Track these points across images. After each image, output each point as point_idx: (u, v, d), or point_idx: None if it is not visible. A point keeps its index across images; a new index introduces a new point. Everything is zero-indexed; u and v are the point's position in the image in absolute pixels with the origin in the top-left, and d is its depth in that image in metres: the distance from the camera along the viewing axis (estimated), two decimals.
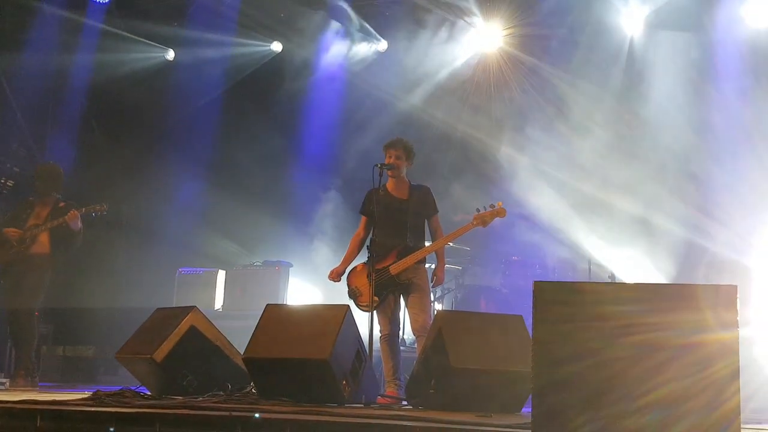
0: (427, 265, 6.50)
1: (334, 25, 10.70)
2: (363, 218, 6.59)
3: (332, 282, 6.54)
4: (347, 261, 6.55)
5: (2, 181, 8.59)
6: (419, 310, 6.23)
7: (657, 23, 9.26)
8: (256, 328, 5.06)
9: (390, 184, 6.48)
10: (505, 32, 10.09)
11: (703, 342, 2.94)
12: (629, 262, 8.53)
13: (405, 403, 5.41)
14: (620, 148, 8.84)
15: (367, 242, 6.23)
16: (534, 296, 2.90)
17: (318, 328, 4.86)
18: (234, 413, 3.79)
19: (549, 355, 2.86)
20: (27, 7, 10.03)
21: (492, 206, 6.36)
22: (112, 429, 3.71)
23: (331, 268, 6.53)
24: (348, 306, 5.05)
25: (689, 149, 8.45)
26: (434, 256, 6.52)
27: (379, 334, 6.25)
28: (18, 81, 10.44)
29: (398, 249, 6.25)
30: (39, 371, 7.61)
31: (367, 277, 6.10)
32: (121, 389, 5.08)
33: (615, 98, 9.28)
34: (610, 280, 8.19)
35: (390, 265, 6.21)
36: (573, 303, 2.93)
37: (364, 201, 6.55)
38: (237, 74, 11.33)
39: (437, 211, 6.53)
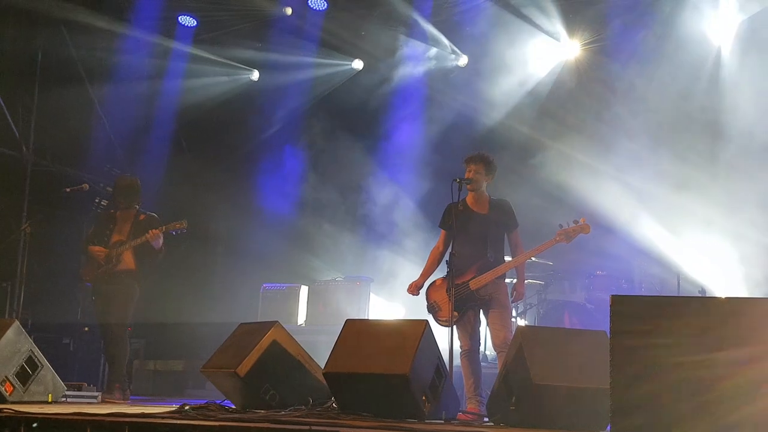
0: (507, 280, 6.41)
1: (415, 41, 10.74)
2: (442, 232, 6.58)
3: (411, 296, 6.54)
4: (426, 274, 6.53)
5: (97, 200, 8.93)
6: (500, 325, 6.15)
7: (749, 33, 8.95)
8: (336, 342, 5.08)
9: (470, 199, 6.45)
10: (587, 42, 9.94)
11: None
12: (722, 276, 8.23)
13: (486, 419, 5.34)
14: (711, 161, 8.57)
15: (447, 257, 6.19)
16: (611, 311, 2.81)
17: (397, 342, 4.84)
18: (314, 427, 3.81)
19: (627, 372, 2.76)
20: (118, 33, 10.41)
21: (576, 222, 6.24)
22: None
23: (408, 284, 6.53)
24: (427, 321, 5.01)
25: None
26: (514, 270, 6.44)
27: (459, 350, 6.20)
28: (111, 104, 10.87)
29: (478, 264, 6.20)
30: (131, 385, 7.82)
31: (447, 291, 6.06)
32: (206, 403, 5.19)
33: (703, 108, 9.00)
34: (700, 295, 7.92)
35: (470, 279, 6.17)
36: (651, 317, 2.82)
37: (443, 215, 6.53)
38: (320, 92, 11.51)
39: (517, 225, 6.45)
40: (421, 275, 6.54)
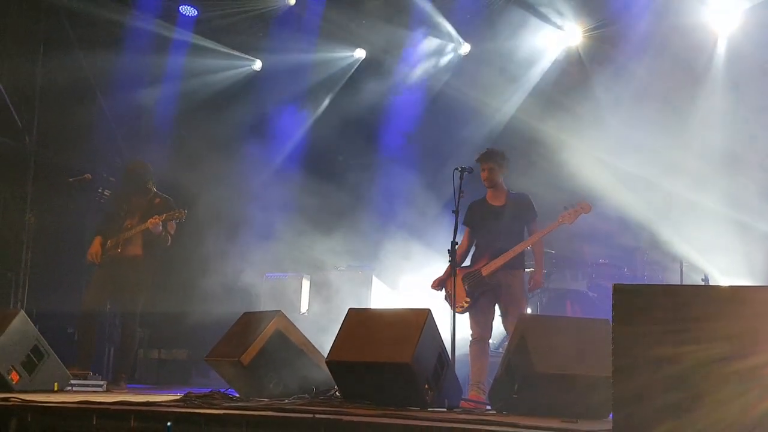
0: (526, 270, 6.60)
1: (417, 29, 10.71)
2: (467, 229, 6.77)
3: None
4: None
5: (100, 190, 8.93)
6: (514, 318, 6.21)
7: (755, 19, 8.90)
8: (338, 331, 5.11)
9: (489, 194, 6.71)
10: (588, 30, 9.91)
11: None
12: (725, 265, 8.23)
13: (488, 407, 5.37)
14: (713, 149, 8.54)
15: (448, 246, 6.27)
16: (614, 298, 2.81)
17: (400, 331, 4.87)
18: (317, 415, 3.83)
19: (628, 361, 2.77)
20: (119, 22, 10.40)
21: (577, 203, 6.52)
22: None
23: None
24: (429, 309, 5.04)
25: None
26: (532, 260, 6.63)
27: (470, 338, 6.33)
28: (112, 93, 10.84)
29: (490, 251, 6.46)
30: (135, 373, 7.83)
31: (462, 280, 6.37)
32: (210, 391, 5.22)
33: (708, 97, 8.97)
34: (703, 284, 7.92)
35: (482, 266, 6.41)
36: (654, 305, 2.82)
37: (466, 212, 6.73)
38: (322, 80, 11.49)
39: (536, 216, 6.64)
40: (446, 272, 6.64)
